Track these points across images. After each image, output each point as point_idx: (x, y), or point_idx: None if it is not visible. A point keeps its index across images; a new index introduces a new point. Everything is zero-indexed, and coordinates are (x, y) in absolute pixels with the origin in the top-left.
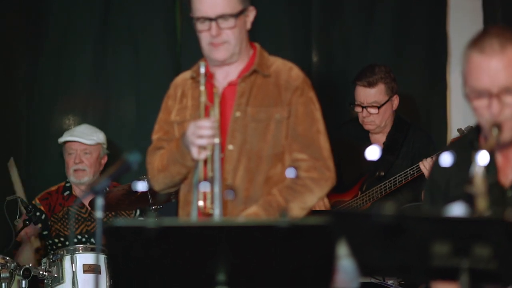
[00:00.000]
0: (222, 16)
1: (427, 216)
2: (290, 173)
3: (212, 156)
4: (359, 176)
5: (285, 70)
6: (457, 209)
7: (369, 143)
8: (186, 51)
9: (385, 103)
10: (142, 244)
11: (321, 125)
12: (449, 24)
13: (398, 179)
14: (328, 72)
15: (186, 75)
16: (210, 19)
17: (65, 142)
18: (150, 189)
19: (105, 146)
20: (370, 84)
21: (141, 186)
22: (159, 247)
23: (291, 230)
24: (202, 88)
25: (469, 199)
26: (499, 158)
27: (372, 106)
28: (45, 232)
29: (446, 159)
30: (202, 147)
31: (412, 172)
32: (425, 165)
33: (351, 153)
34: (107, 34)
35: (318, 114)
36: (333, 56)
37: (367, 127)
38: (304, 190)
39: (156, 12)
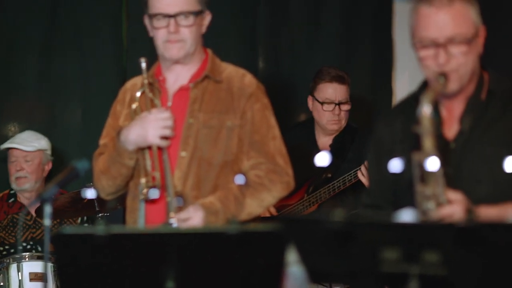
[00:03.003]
0: (182, 13)
1: (376, 222)
2: (239, 179)
3: (161, 163)
4: (305, 179)
5: (238, 76)
6: (406, 215)
7: (315, 146)
8: (132, 57)
9: (347, 102)
10: (90, 252)
11: (276, 131)
12: (394, 30)
13: (348, 178)
14: (275, 78)
15: (136, 80)
16: (169, 16)
17: (7, 149)
18: (97, 196)
19: (48, 152)
20: (343, 80)
21: (89, 193)
22: (107, 255)
23: (241, 237)
24: (146, 81)
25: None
26: (443, 111)
27: (344, 103)
28: None
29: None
30: (164, 138)
31: (355, 174)
32: (363, 173)
33: (297, 156)
34: (53, 40)
35: (273, 120)
36: (279, 61)
37: (333, 127)
38: (262, 188)
39: (103, 18)
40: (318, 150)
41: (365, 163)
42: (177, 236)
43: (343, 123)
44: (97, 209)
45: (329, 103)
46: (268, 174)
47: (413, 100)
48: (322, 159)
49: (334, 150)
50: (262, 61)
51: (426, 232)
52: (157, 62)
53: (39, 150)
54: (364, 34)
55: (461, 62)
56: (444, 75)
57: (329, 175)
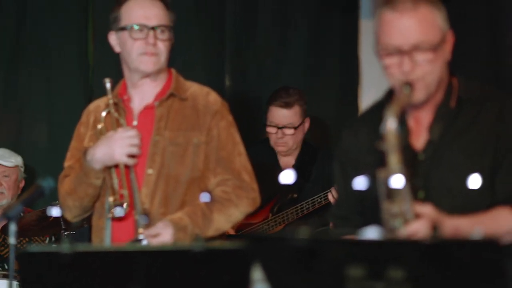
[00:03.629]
0: (160, 27)
1: (341, 240)
2: (204, 197)
3: (128, 181)
4: (268, 198)
5: (203, 94)
6: (371, 232)
7: (278, 165)
8: (98, 74)
9: (299, 125)
10: (55, 270)
11: (242, 148)
12: (360, 48)
13: (317, 200)
14: (242, 96)
15: (99, 102)
16: (148, 28)
17: None
18: (63, 214)
19: (22, 169)
20: (287, 105)
21: (55, 211)
22: (73, 273)
23: (206, 254)
24: (111, 101)
25: (381, 162)
26: (411, 121)
27: (288, 127)
28: None
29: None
30: (131, 156)
31: (325, 197)
32: (333, 195)
33: (259, 174)
34: (19, 57)
35: (238, 137)
36: (246, 79)
37: (279, 148)
38: (229, 204)
39: (69, 36)
40: (280, 169)
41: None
42: (142, 254)
43: (291, 145)
44: (63, 227)
45: (272, 126)
46: (235, 190)
47: (378, 109)
48: (287, 177)
49: (298, 169)
50: (229, 79)
51: (391, 249)
52: (122, 81)
53: (17, 166)
54: (331, 51)
55: (427, 70)
56: (409, 84)
57: (295, 196)
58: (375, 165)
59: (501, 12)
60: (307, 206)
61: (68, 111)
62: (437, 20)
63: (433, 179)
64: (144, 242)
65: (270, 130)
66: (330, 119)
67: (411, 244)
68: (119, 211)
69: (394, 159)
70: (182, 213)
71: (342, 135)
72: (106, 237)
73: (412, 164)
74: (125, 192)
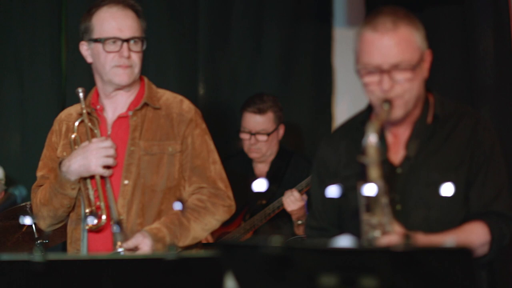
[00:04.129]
0: (133, 38)
1: (314, 248)
2: (177, 206)
3: (104, 192)
4: (242, 206)
5: (176, 102)
6: (344, 241)
7: (252, 173)
8: (71, 83)
9: (273, 131)
10: (27, 279)
11: (216, 156)
12: (334, 56)
13: (276, 204)
14: (215, 104)
15: (70, 110)
16: (122, 40)
17: None
18: (37, 223)
19: (3, 182)
20: (260, 111)
21: (27, 220)
22: (44, 282)
23: (178, 262)
24: (84, 111)
25: (361, 175)
26: (389, 136)
27: (261, 133)
28: None
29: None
30: (106, 167)
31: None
32: (287, 198)
33: (235, 184)
34: None
35: (212, 145)
36: (220, 88)
37: (252, 155)
38: (205, 212)
39: (42, 44)
40: (255, 177)
41: (294, 189)
42: (115, 262)
43: (264, 151)
44: (36, 235)
45: (246, 132)
46: (211, 198)
47: (358, 124)
48: (259, 185)
49: (270, 176)
50: (202, 87)
51: (364, 257)
52: (93, 89)
53: None
54: (304, 59)
55: (406, 89)
56: (388, 102)
57: (264, 202)
58: (354, 178)
59: (474, 20)
60: (269, 211)
61: (41, 118)
62: (416, 40)
63: (409, 193)
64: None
65: (244, 136)
66: (304, 127)
67: (384, 252)
68: (90, 219)
69: (374, 172)
70: (159, 224)
71: (321, 146)
72: (83, 248)
73: (390, 178)
74: (101, 203)
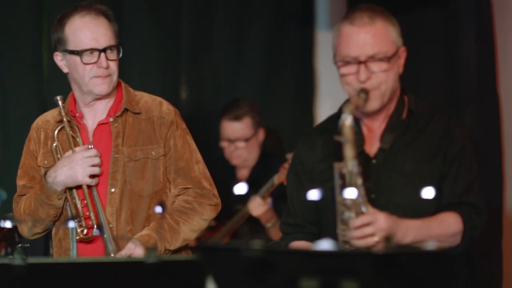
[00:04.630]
0: (109, 47)
1: (295, 251)
2: (158, 209)
3: (92, 201)
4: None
5: (155, 105)
6: (325, 244)
7: (234, 179)
8: (52, 88)
9: (251, 136)
10: (7, 283)
11: (199, 155)
12: (317, 59)
13: (245, 210)
14: (198, 108)
15: (46, 117)
16: (99, 51)
17: None
18: (16, 226)
19: None
20: (237, 118)
21: (8, 223)
22: (25, 285)
23: (159, 266)
24: (65, 119)
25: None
26: (364, 129)
27: (240, 140)
28: None
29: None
30: (92, 176)
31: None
32: (251, 204)
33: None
34: None
35: (194, 144)
36: (202, 91)
37: (233, 161)
38: (193, 213)
39: (23, 49)
40: (237, 182)
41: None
42: (96, 266)
43: (245, 157)
44: (16, 239)
45: (225, 140)
46: (197, 198)
47: (334, 118)
48: (240, 189)
49: (249, 182)
50: (185, 90)
51: (345, 260)
52: (69, 97)
53: None
54: (287, 63)
55: (381, 80)
56: (365, 91)
57: (239, 207)
58: (329, 172)
59: (457, 22)
60: (242, 214)
61: (22, 124)
62: (391, 35)
63: (384, 182)
64: None
65: (223, 144)
66: (286, 130)
67: (364, 255)
68: (71, 224)
69: (349, 151)
70: (149, 230)
71: (298, 145)
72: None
73: (365, 168)
74: (91, 213)
